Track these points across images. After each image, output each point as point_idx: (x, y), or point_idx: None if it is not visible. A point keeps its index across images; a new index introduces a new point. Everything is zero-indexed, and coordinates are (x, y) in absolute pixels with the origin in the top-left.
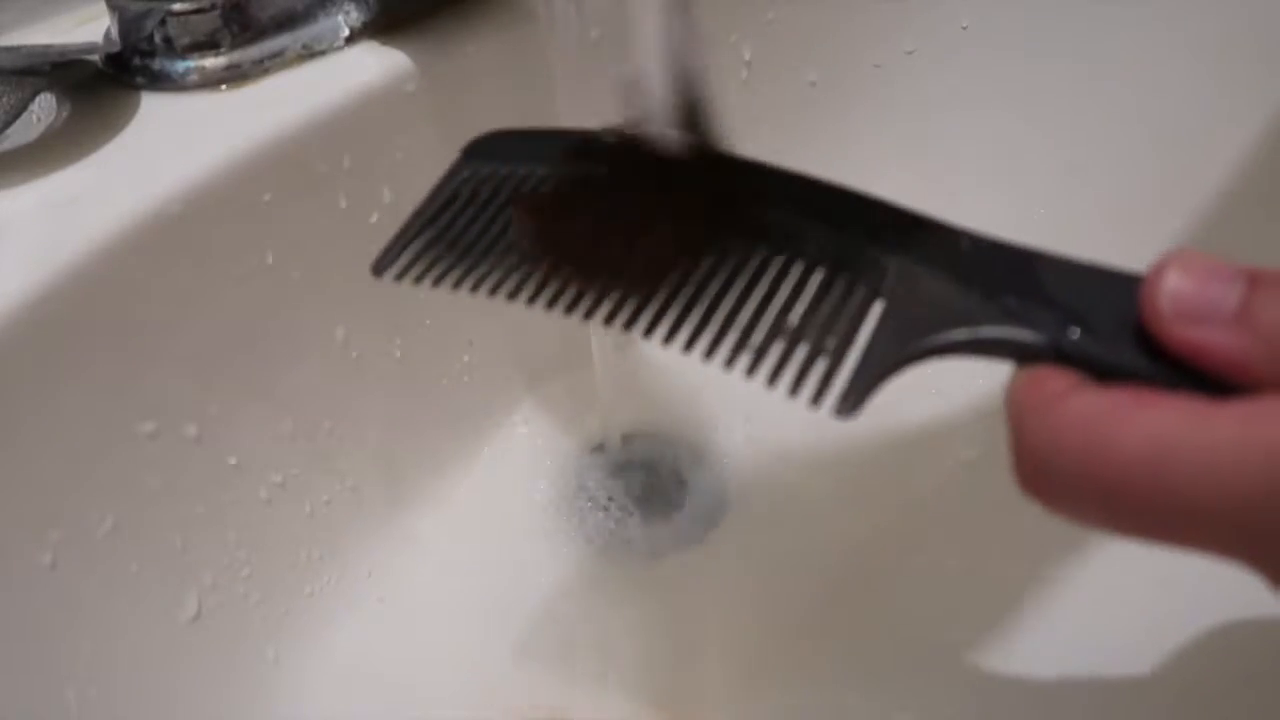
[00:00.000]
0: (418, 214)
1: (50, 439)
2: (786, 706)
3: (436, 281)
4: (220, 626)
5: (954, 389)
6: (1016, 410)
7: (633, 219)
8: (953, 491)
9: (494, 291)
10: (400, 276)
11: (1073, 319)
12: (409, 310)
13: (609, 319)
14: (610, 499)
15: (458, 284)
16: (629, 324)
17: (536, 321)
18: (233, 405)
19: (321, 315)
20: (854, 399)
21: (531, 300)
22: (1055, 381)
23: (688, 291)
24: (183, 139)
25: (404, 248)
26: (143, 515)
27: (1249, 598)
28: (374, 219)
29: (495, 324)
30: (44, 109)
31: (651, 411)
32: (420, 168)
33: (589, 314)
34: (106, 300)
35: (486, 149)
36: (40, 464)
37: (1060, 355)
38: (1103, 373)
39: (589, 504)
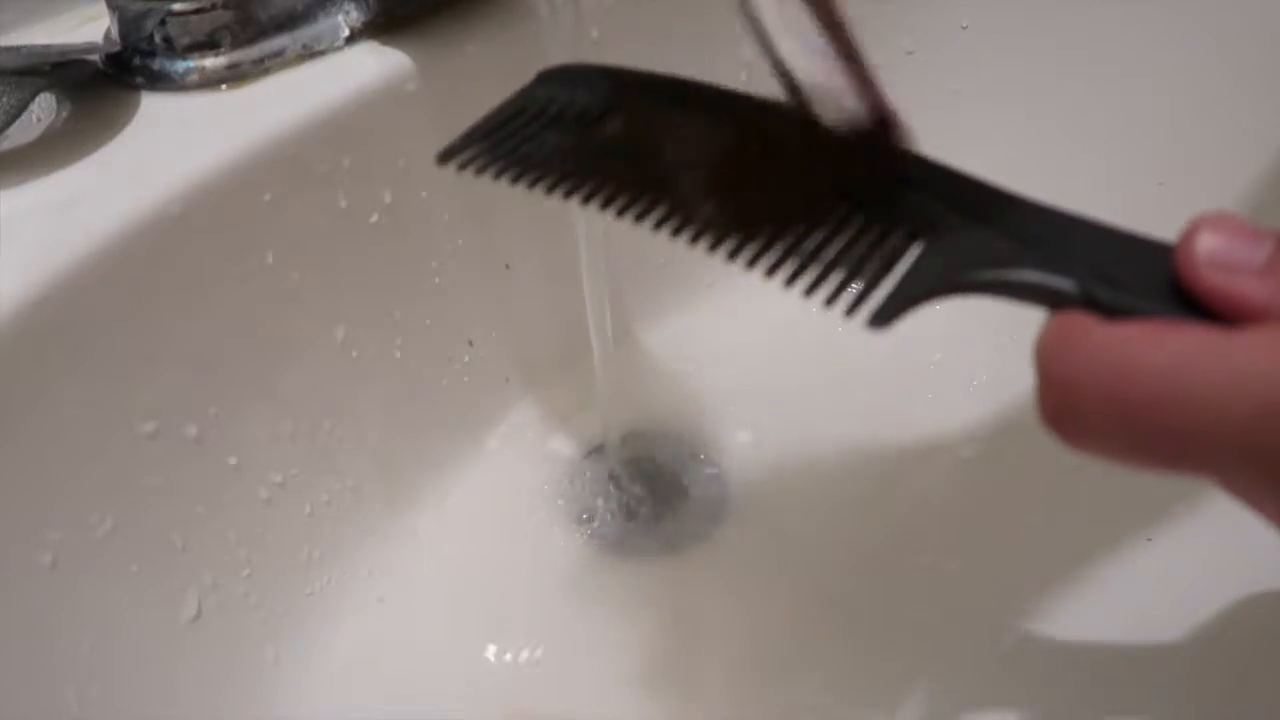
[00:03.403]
0: (488, 118)
1: (50, 439)
2: (786, 706)
3: (498, 175)
4: (220, 626)
5: (954, 389)
6: (1044, 348)
7: (713, 148)
8: (953, 492)
9: (553, 189)
10: (464, 167)
11: (1104, 272)
12: (409, 310)
13: (659, 222)
14: (610, 499)
15: (517, 179)
16: (678, 231)
17: (536, 322)
18: (233, 405)
19: (321, 315)
20: (885, 315)
21: (587, 200)
22: (1083, 321)
23: (739, 212)
24: (183, 139)
25: (470, 144)
26: (143, 515)
27: (1252, 593)
28: (374, 219)
29: (495, 324)
30: (44, 109)
31: (651, 411)
32: (420, 168)
33: (639, 218)
34: (106, 300)
35: (560, 76)
36: (40, 464)
37: (1090, 302)
38: (1130, 318)
39: (589, 504)
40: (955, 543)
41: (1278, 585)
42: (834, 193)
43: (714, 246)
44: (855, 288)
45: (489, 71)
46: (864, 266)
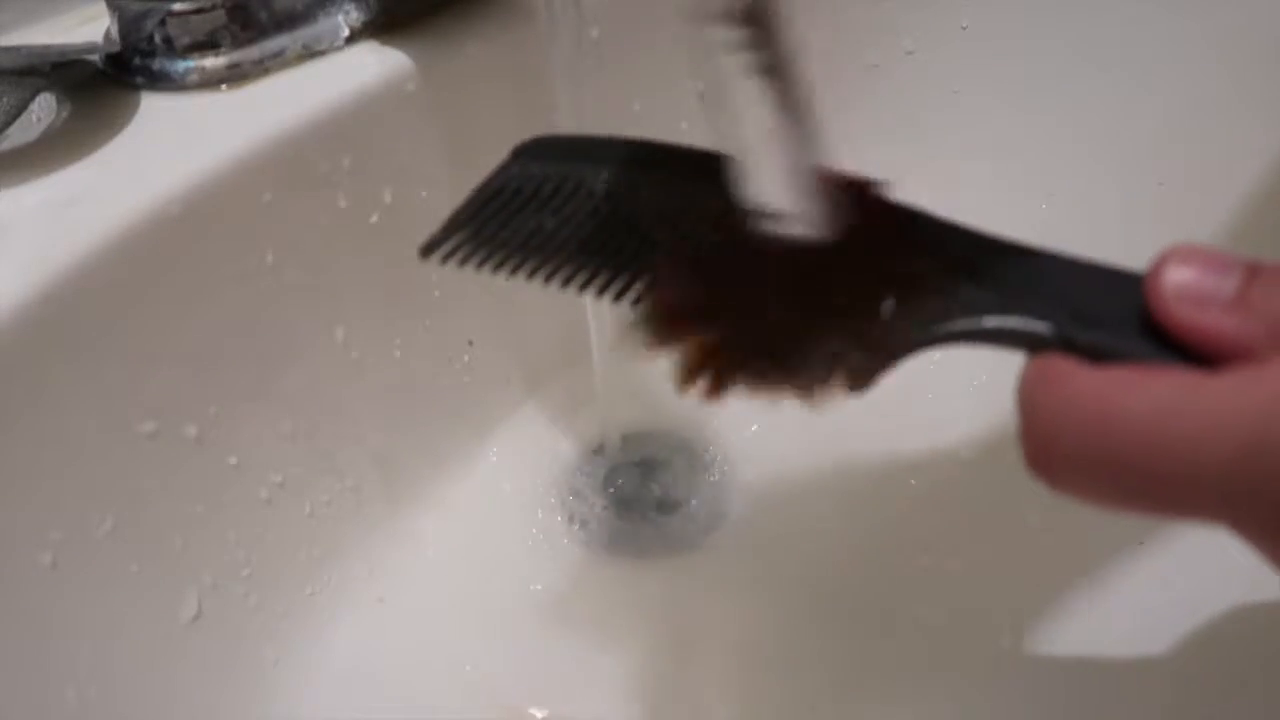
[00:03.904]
0: (467, 204)
1: (50, 439)
2: (787, 706)
3: (480, 266)
4: (220, 626)
5: (953, 390)
6: (1025, 393)
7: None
8: (953, 492)
9: (537, 277)
10: (446, 259)
11: (1079, 311)
12: (409, 310)
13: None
14: (610, 500)
15: (498, 269)
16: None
17: (536, 322)
18: (233, 405)
19: (321, 315)
20: (864, 379)
21: (575, 287)
22: (1062, 365)
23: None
24: (183, 139)
25: (452, 233)
26: (143, 515)
27: (1243, 594)
28: (374, 219)
29: (495, 324)
30: (44, 109)
31: (651, 412)
32: (420, 168)
33: (635, 301)
34: (107, 300)
35: (536, 151)
36: (40, 464)
37: (1067, 344)
38: (1109, 360)
39: (589, 505)
40: (955, 543)
41: (1275, 588)
42: (816, 261)
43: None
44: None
45: (489, 71)
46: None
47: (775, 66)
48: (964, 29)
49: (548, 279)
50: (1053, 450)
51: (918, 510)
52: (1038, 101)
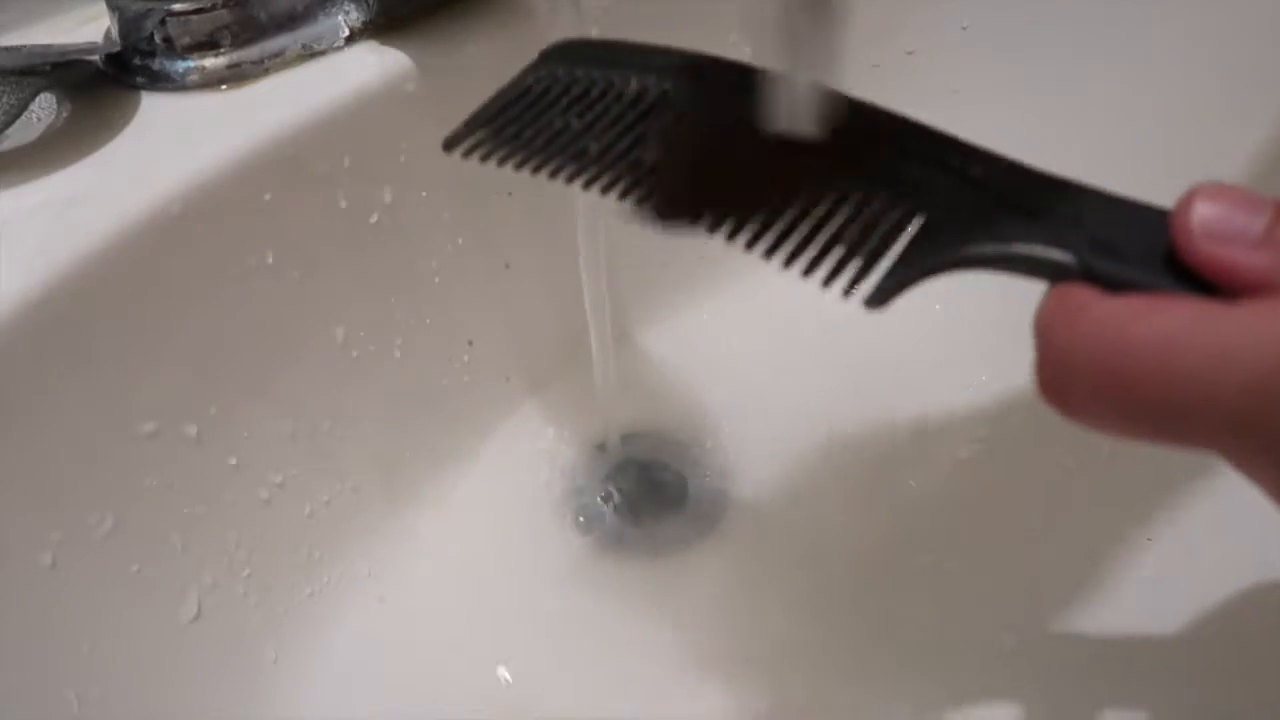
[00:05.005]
0: (491, 101)
1: (50, 439)
2: (786, 705)
3: (501, 162)
4: (220, 626)
5: (954, 389)
6: (1042, 320)
7: (709, 134)
8: (953, 491)
9: (556, 175)
10: (468, 154)
11: (1103, 242)
12: (409, 310)
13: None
14: (610, 499)
15: (520, 165)
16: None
17: (536, 322)
18: (233, 405)
19: (321, 315)
20: (883, 294)
21: (588, 185)
22: (1081, 293)
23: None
24: (183, 139)
25: (474, 129)
26: (143, 515)
27: (1252, 592)
28: (374, 219)
29: (495, 324)
30: (44, 109)
31: (651, 411)
32: (420, 168)
33: (640, 201)
34: (106, 300)
35: (564, 53)
36: (40, 464)
37: (1089, 275)
38: (1129, 291)
39: (589, 504)
40: (955, 542)
41: (1278, 584)
42: (833, 168)
43: (712, 228)
44: (854, 265)
45: (489, 72)
46: (863, 243)
47: None
48: (964, 29)
49: (569, 179)
50: (1066, 375)
51: (917, 509)
52: (1038, 101)
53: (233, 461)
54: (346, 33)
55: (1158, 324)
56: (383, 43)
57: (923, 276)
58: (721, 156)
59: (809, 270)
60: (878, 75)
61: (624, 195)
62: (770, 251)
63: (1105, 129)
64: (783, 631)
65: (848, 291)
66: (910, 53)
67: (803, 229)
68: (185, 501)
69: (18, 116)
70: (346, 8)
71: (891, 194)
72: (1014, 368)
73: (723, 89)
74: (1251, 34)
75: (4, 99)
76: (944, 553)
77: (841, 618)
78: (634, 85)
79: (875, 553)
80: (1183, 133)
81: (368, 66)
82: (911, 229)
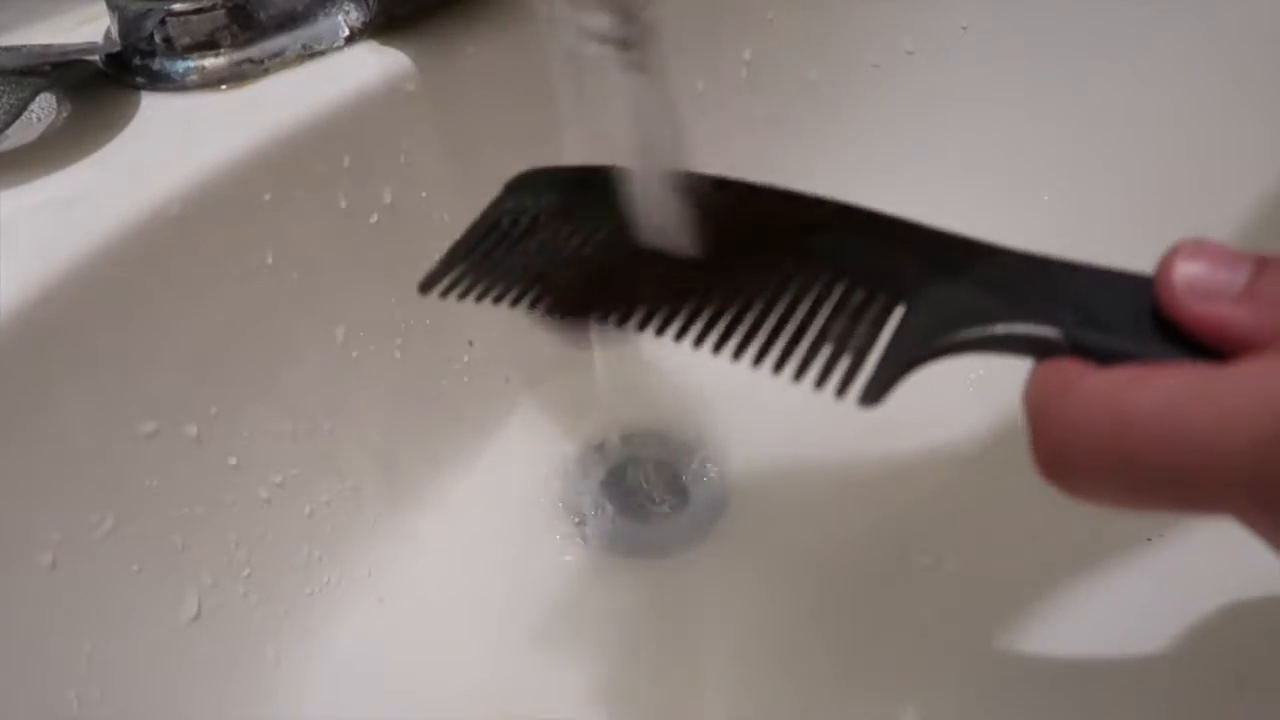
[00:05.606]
0: (463, 239)
1: (50, 439)
2: (786, 705)
3: (479, 299)
4: (220, 626)
5: (954, 389)
6: (1034, 398)
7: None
8: (953, 491)
9: (532, 307)
10: (445, 293)
11: (1087, 314)
12: (409, 310)
13: (641, 325)
14: (610, 499)
15: (498, 301)
16: (660, 329)
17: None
18: (233, 405)
19: (321, 315)
20: (877, 390)
21: (563, 315)
22: (1071, 368)
23: (724, 302)
24: (183, 139)
25: (449, 268)
26: (143, 515)
27: (1246, 594)
28: (374, 219)
29: (495, 324)
30: (44, 109)
31: (651, 411)
32: (420, 167)
33: (622, 322)
34: (106, 300)
35: (528, 184)
36: (40, 464)
37: (1076, 348)
38: (1118, 361)
39: (589, 503)
40: (955, 543)
41: (1278, 586)
42: (812, 266)
43: (698, 342)
44: (843, 363)
45: (489, 72)
46: (849, 340)
47: (644, 64)
48: (964, 29)
49: (534, 309)
50: (1067, 456)
51: (917, 510)
52: (1038, 101)
53: (233, 461)
54: (346, 33)
55: (1155, 392)
56: (383, 43)
57: (911, 368)
58: (601, 260)
59: (799, 374)
60: (878, 75)
61: (602, 321)
62: (759, 358)
63: (1105, 129)
64: (782, 632)
65: (840, 392)
66: (910, 53)
67: (790, 331)
68: (185, 501)
69: (18, 116)
70: (346, 8)
71: (872, 286)
72: (1013, 366)
73: (609, 198)
74: (1252, 34)
75: (4, 99)
76: (944, 553)
77: (841, 618)
78: (596, 207)
79: (875, 553)
80: (1183, 133)
81: (368, 67)
82: (894, 320)
